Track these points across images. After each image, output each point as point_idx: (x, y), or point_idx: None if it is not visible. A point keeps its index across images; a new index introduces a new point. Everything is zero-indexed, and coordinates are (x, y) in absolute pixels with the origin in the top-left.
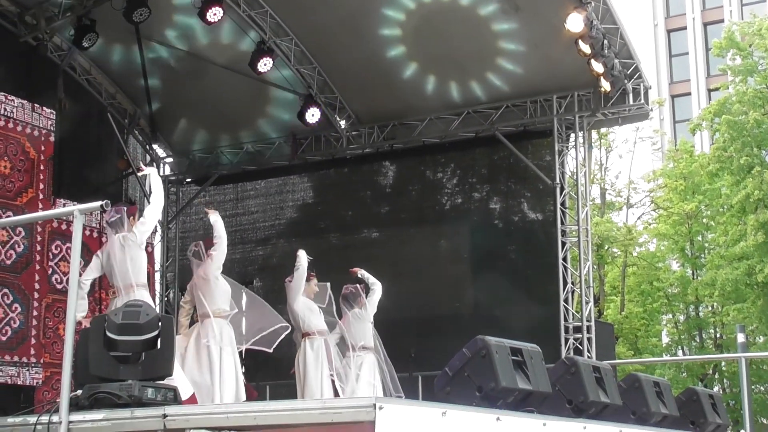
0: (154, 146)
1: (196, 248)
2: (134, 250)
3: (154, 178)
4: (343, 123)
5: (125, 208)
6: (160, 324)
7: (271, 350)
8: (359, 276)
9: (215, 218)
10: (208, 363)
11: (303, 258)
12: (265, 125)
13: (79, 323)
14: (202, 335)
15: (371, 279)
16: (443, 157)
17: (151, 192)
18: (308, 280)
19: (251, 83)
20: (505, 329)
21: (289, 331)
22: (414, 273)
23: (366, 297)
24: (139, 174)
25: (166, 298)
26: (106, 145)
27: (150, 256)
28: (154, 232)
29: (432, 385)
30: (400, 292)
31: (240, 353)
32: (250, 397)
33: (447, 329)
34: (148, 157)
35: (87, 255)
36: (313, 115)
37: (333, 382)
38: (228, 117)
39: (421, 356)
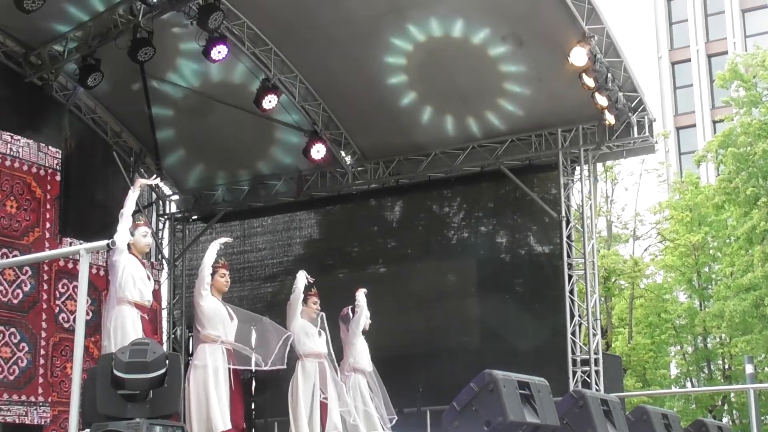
0: (160, 184)
1: None
2: (112, 264)
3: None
4: (348, 159)
5: None
6: (167, 362)
7: (284, 366)
8: (356, 298)
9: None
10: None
11: (300, 279)
12: (270, 162)
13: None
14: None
15: (361, 305)
16: (449, 192)
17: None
18: (306, 301)
19: (256, 120)
20: (512, 363)
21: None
22: (421, 307)
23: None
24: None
25: (173, 336)
26: (112, 183)
27: (156, 294)
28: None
29: (440, 420)
30: (407, 327)
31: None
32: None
33: (454, 363)
34: (154, 195)
35: (93, 293)
36: (318, 151)
37: (326, 406)
38: (233, 154)
39: (429, 391)
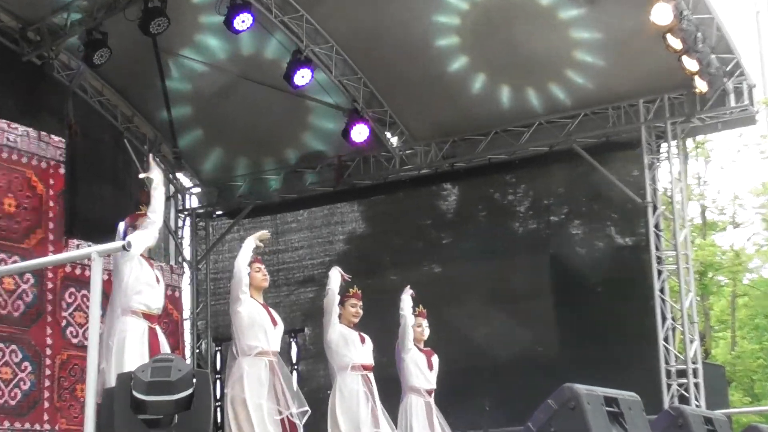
0: (179, 175)
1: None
2: (116, 268)
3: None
4: (395, 140)
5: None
6: (194, 381)
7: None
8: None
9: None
10: None
11: (333, 278)
12: (304, 147)
13: None
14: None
15: (405, 309)
16: (513, 176)
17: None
18: (343, 303)
19: (287, 100)
20: (596, 375)
21: None
22: (485, 313)
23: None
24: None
25: (197, 351)
26: (124, 175)
27: (177, 302)
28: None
29: None
30: (469, 336)
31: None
32: None
33: (527, 377)
34: (171, 188)
35: (107, 303)
36: (360, 132)
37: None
38: (262, 139)
39: (498, 410)
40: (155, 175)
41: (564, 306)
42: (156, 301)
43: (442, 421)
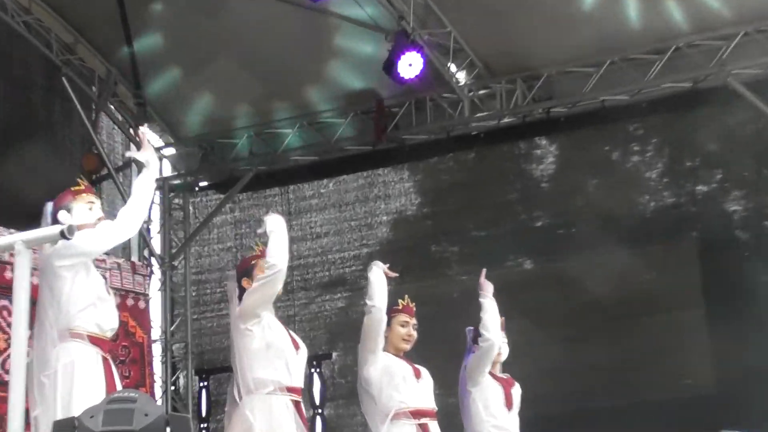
0: (144, 129)
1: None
2: (50, 274)
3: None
4: (462, 76)
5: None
6: (168, 430)
7: None
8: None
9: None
10: None
11: (377, 286)
12: (329, 86)
13: None
14: None
15: (487, 323)
16: (639, 127)
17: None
18: (390, 322)
19: (304, 18)
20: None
21: None
22: (601, 329)
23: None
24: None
25: (173, 387)
26: (61, 132)
27: (142, 314)
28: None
29: None
30: (580, 362)
31: None
32: None
33: (668, 424)
34: (132, 149)
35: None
36: (411, 64)
37: None
38: (268, 76)
39: None
40: (148, 156)
41: (720, 319)
42: (110, 320)
43: None
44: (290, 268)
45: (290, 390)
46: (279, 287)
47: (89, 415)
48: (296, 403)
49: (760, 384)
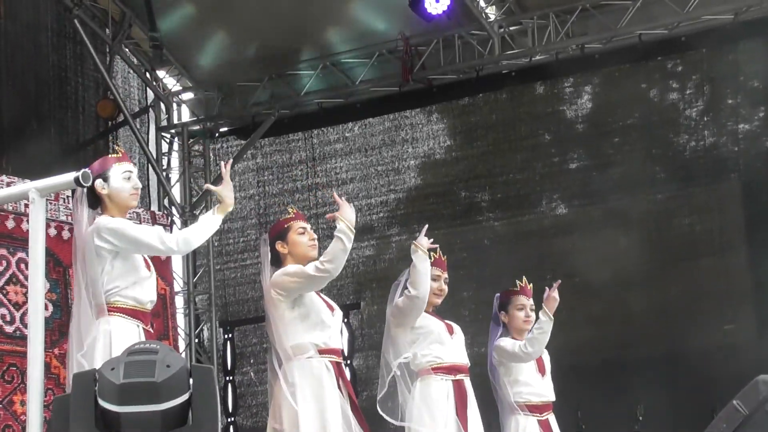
0: (160, 73)
1: None
2: (90, 252)
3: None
4: (491, 12)
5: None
6: (191, 382)
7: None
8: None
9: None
10: None
11: (423, 273)
12: (352, 24)
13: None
14: None
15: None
16: (678, 63)
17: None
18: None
19: None
20: None
21: None
22: (640, 275)
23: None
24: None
25: (196, 339)
26: (74, 78)
27: (164, 267)
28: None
29: None
30: (615, 312)
31: None
32: None
33: (703, 370)
34: (149, 95)
35: (55, 272)
36: (438, 0)
37: None
38: (289, 17)
39: (658, 418)
40: (227, 193)
41: (764, 265)
42: (149, 293)
43: None
44: (315, 216)
45: (329, 352)
46: (317, 288)
47: (110, 367)
48: (336, 364)
49: None
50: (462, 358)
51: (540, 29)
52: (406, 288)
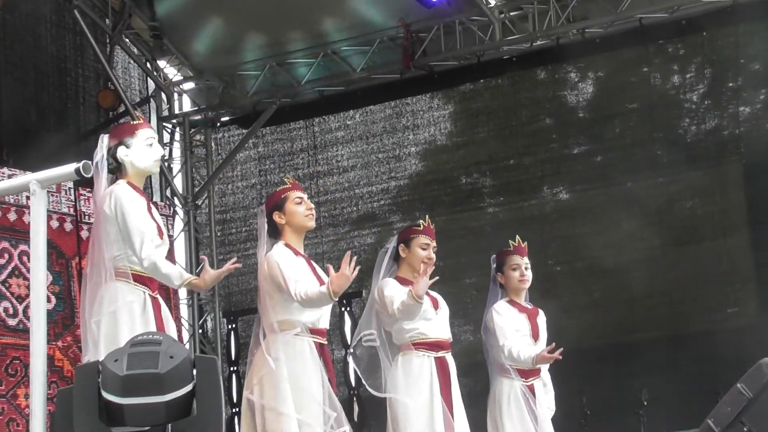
0: (161, 62)
1: None
2: (101, 216)
3: None
4: None
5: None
6: (195, 373)
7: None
8: None
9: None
10: None
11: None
12: (352, 12)
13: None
14: None
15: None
16: (679, 46)
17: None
18: (407, 243)
19: None
20: None
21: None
22: (642, 258)
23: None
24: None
25: (200, 330)
26: (74, 69)
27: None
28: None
29: None
30: (618, 296)
31: None
32: None
33: (707, 351)
34: (150, 85)
35: (58, 264)
36: None
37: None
38: (288, 5)
39: (662, 402)
40: (209, 281)
41: (766, 247)
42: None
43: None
44: (317, 204)
45: (314, 332)
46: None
47: (113, 359)
48: (320, 346)
49: None
50: (445, 334)
51: (540, 14)
52: (395, 263)
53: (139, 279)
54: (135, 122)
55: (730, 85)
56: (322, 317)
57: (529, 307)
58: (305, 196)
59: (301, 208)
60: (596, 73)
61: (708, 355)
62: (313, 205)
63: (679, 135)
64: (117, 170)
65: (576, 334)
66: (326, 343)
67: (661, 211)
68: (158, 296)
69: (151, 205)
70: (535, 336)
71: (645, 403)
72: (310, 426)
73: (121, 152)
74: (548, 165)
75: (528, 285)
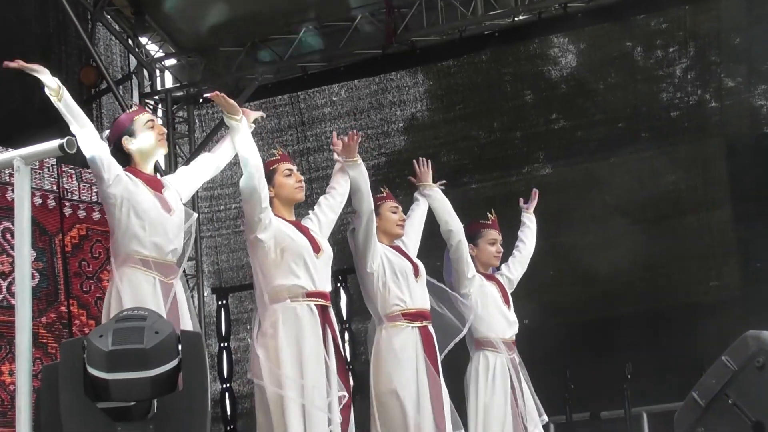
0: (143, 39)
1: None
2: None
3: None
4: None
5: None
6: (180, 348)
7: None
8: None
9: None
10: None
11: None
12: None
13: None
14: None
15: (527, 224)
16: (661, 20)
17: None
18: (378, 211)
19: None
20: None
21: None
22: (623, 233)
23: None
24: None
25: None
26: (57, 46)
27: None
28: None
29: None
30: (603, 267)
31: None
32: None
33: (691, 326)
34: (132, 61)
35: (41, 240)
36: None
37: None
38: None
39: (646, 376)
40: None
41: (748, 221)
42: (169, 241)
43: (531, 400)
44: (308, 181)
45: (313, 295)
46: (255, 183)
47: (98, 335)
48: (322, 308)
49: None
50: (426, 303)
51: None
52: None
53: (149, 265)
54: (129, 111)
55: (713, 59)
56: (318, 279)
57: (494, 275)
58: (294, 168)
59: (290, 181)
60: (578, 47)
61: (691, 328)
62: (302, 177)
63: (661, 109)
64: (128, 163)
65: (560, 310)
66: (329, 305)
67: (644, 185)
68: (174, 282)
69: (161, 182)
70: (507, 302)
71: (629, 377)
72: (315, 388)
73: (126, 142)
74: (531, 140)
75: (497, 261)
